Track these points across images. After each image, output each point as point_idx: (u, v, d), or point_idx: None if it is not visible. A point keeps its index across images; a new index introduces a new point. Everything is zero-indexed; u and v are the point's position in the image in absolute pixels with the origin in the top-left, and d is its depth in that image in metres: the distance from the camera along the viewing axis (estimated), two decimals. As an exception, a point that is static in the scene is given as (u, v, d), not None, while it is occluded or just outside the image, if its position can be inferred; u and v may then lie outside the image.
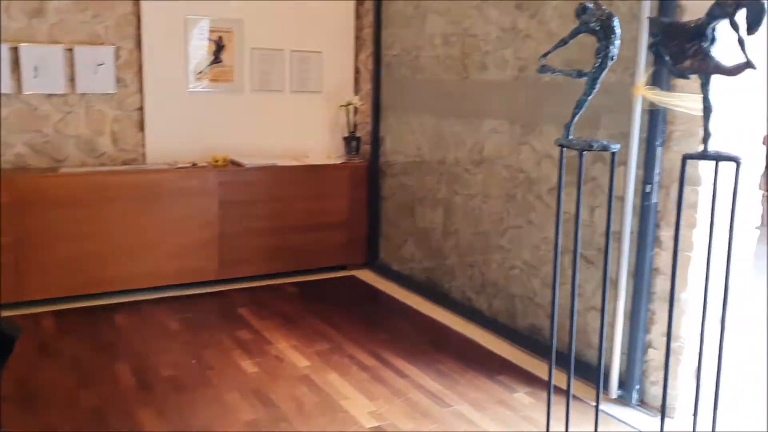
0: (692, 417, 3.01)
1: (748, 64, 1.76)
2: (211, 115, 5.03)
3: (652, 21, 2.00)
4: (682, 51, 1.86)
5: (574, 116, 2.28)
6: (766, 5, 1.66)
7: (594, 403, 3.17)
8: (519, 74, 3.91)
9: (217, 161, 4.85)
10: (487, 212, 4.23)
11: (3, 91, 4.39)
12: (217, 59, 5.00)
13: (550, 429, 2.59)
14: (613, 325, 3.25)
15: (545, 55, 2.31)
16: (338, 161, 5.32)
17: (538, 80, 3.77)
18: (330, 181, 5.21)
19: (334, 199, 5.23)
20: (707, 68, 1.83)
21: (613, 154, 2.25)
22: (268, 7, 5.11)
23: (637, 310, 3.23)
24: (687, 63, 1.87)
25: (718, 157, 1.98)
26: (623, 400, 3.26)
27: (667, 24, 1.98)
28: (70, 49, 4.54)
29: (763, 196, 3.18)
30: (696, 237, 3.01)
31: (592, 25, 2.11)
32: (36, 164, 4.57)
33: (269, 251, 4.97)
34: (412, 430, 2.98)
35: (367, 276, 5.25)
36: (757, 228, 3.12)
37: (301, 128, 5.41)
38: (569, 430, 2.53)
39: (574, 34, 2.20)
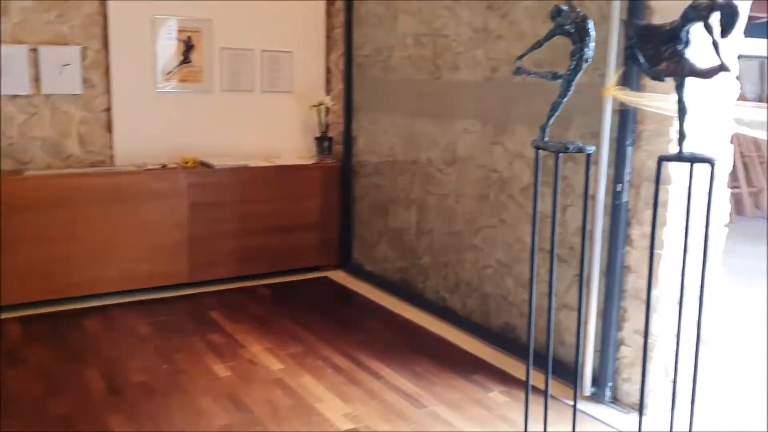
0: (665, 413, 3.07)
1: (723, 67, 1.79)
2: (180, 115, 4.97)
3: (628, 24, 2.02)
4: (657, 54, 1.88)
5: (549, 118, 2.29)
6: (739, 9, 1.68)
7: (567, 401, 3.20)
8: (491, 75, 3.93)
9: (186, 162, 4.78)
10: (460, 212, 4.24)
11: (-35, 92, 4.29)
12: (186, 59, 4.93)
13: (527, 428, 2.60)
14: (585, 323, 3.27)
15: (520, 57, 2.32)
16: (310, 162, 5.30)
17: (509, 81, 3.78)
18: (302, 181, 5.17)
19: (307, 200, 5.20)
20: (683, 71, 1.85)
21: (589, 155, 2.27)
22: (237, 6, 5.06)
23: (609, 308, 3.26)
24: (663, 65, 1.89)
25: (693, 159, 2.00)
26: (596, 398, 3.29)
27: (643, 27, 2.00)
28: (35, 50, 4.44)
29: (731, 194, 3.23)
30: (667, 235, 3.04)
31: (567, 27, 2.12)
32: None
33: (241, 253, 4.92)
34: (387, 431, 2.97)
35: (340, 277, 5.23)
36: (725, 225, 3.17)
37: (272, 129, 5.37)
38: (546, 429, 2.54)
39: (549, 36, 2.21)
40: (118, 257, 4.48)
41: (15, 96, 4.44)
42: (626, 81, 2.99)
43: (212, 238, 4.80)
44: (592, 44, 2.13)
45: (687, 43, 1.87)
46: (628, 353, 3.23)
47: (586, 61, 2.14)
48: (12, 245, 4.14)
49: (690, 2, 2.81)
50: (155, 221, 4.59)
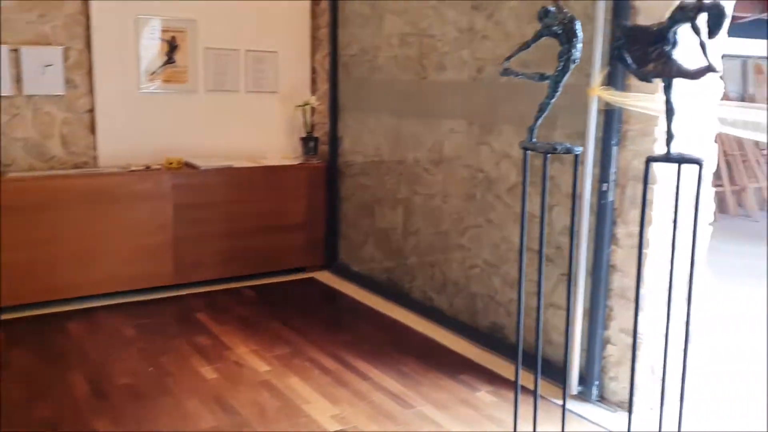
0: (651, 411, 3.09)
1: (710, 68, 1.80)
2: (164, 116, 4.93)
3: (615, 25, 2.03)
4: (645, 55, 1.88)
5: (537, 119, 2.30)
6: (726, 10, 1.69)
7: (555, 400, 3.21)
8: (477, 75, 3.93)
9: (171, 163, 4.75)
10: (447, 212, 4.24)
11: (-55, 93, 4.23)
12: (170, 59, 4.90)
13: (516, 428, 2.61)
14: (572, 322, 3.28)
15: (508, 58, 2.32)
16: (296, 162, 5.28)
17: (495, 81, 3.79)
18: (287, 182, 5.16)
19: (292, 201, 5.18)
20: (670, 72, 1.86)
21: (576, 156, 2.28)
22: (222, 6, 5.04)
23: (595, 307, 3.27)
24: (650, 66, 1.89)
25: (681, 160, 2.01)
26: (583, 396, 3.30)
27: (630, 28, 2.00)
28: (16, 50, 4.39)
29: (714, 193, 3.25)
30: (652, 234, 3.06)
31: (555, 28, 2.12)
32: (-19, 168, 4.42)
33: (226, 254, 4.90)
34: (375, 432, 2.97)
35: (326, 277, 5.22)
36: (710, 224, 3.20)
37: (257, 129, 5.35)
38: (535, 428, 2.54)
39: (536, 37, 2.22)
40: (102, 259, 4.44)
41: (-4, 97, 4.40)
42: (611, 81, 3.00)
43: (197, 240, 4.77)
44: (579, 45, 2.14)
45: (674, 44, 1.88)
46: (615, 352, 3.24)
47: (574, 62, 2.14)
48: (-6, 248, 4.09)
49: (675, 2, 2.84)
50: (140, 223, 4.55)
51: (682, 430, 2.21)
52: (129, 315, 4.30)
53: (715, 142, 3.15)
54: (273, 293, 4.84)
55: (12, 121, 4.46)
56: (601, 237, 3.21)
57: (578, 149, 2.26)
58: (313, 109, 5.35)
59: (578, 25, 2.14)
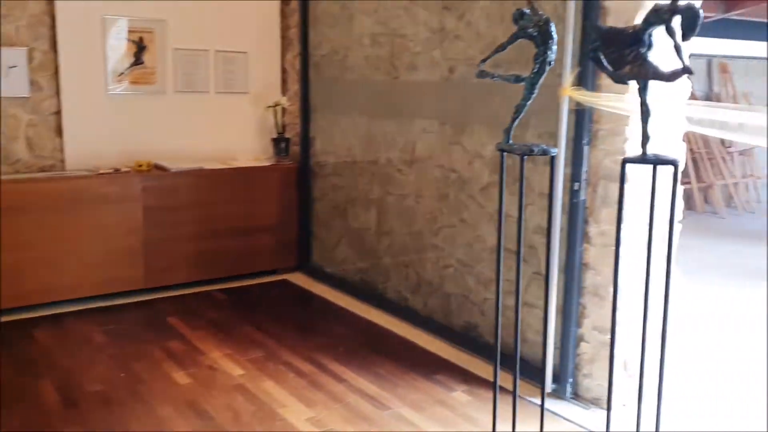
0: (624, 407, 3.12)
1: (686, 70, 1.82)
2: (133, 118, 4.86)
3: (591, 27, 2.04)
4: (621, 57, 1.90)
5: (513, 120, 2.31)
6: (700, 12, 1.71)
7: (530, 399, 3.23)
8: (449, 75, 3.94)
9: (140, 166, 4.69)
10: (420, 212, 4.24)
11: None
12: (138, 60, 4.83)
13: (490, 428, 2.61)
14: (546, 321, 3.30)
15: (484, 60, 2.33)
16: (267, 163, 5.24)
17: (467, 81, 3.80)
18: (259, 183, 5.12)
19: (264, 202, 5.14)
20: (646, 74, 1.88)
21: (553, 157, 2.29)
22: (190, 6, 4.98)
23: (568, 305, 3.29)
24: (627, 69, 1.91)
25: (657, 161, 2.03)
26: (557, 394, 3.33)
27: (606, 30, 2.02)
28: (-22, 51, 4.30)
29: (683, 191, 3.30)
30: (623, 232, 3.08)
31: (530, 30, 2.13)
32: (-57, 173, 4.31)
33: (198, 257, 4.84)
34: (352, 435, 2.96)
35: (299, 279, 5.19)
36: (679, 222, 3.24)
37: (227, 130, 5.30)
38: (515, 428, 2.55)
39: (512, 39, 2.22)
40: (71, 264, 4.36)
41: (-42, 99, 4.30)
42: (582, 81, 3.02)
43: (168, 243, 4.71)
44: (555, 47, 2.15)
45: (650, 46, 1.89)
46: (588, 349, 3.27)
47: (549, 64, 2.16)
48: (-42, 254, 4.00)
49: (644, 2, 2.88)
50: (109, 226, 4.48)
51: (660, 427, 2.23)
52: (99, 320, 4.23)
53: (683, 140, 3.19)
54: (245, 296, 4.80)
55: (-25, 124, 4.37)
56: (574, 235, 3.23)
57: (554, 151, 2.28)
58: (284, 110, 5.32)
59: (553, 28, 2.15)
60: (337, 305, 4.65)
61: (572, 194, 3.20)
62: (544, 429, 2.54)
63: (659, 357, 2.18)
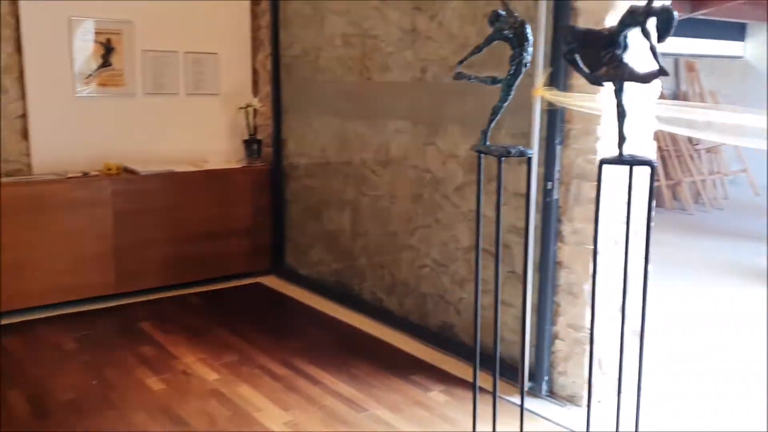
0: (598, 404, 3.15)
1: (661, 71, 1.84)
2: (102, 121, 4.78)
3: (567, 29, 2.05)
4: (597, 59, 1.91)
5: (490, 122, 2.32)
6: (675, 14, 1.73)
7: (507, 398, 3.24)
8: (421, 75, 3.94)
9: (110, 169, 4.62)
10: (395, 213, 4.24)
11: None
12: (106, 62, 4.75)
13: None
14: (522, 319, 3.32)
15: (461, 62, 2.33)
16: (239, 165, 5.20)
17: (440, 81, 3.80)
18: (231, 186, 5.07)
19: (237, 205, 5.10)
20: (623, 75, 1.90)
21: (530, 159, 2.31)
22: (159, 7, 4.92)
23: (543, 303, 3.31)
24: (603, 70, 1.92)
25: (633, 162, 2.06)
26: (533, 392, 3.34)
27: (582, 32, 2.03)
28: (-60, 53, 4.20)
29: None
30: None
31: (506, 32, 2.13)
32: None
33: (170, 261, 4.78)
34: (329, 438, 2.94)
35: (273, 282, 5.16)
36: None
37: (198, 132, 5.24)
38: (495, 428, 2.55)
39: (488, 41, 2.23)
40: (40, 270, 4.28)
41: None
42: (554, 81, 3.04)
43: (139, 247, 4.65)
44: (530, 49, 2.16)
45: (625, 47, 1.91)
46: (563, 347, 3.29)
47: (525, 66, 2.17)
48: None
49: (615, 3, 2.91)
50: (78, 231, 4.41)
51: (639, 425, 2.25)
52: (69, 327, 4.15)
53: (654, 139, 3.23)
54: (219, 300, 4.76)
55: (-62, 128, 4.26)
56: (547, 234, 3.25)
57: (531, 152, 2.30)
58: (255, 111, 5.28)
59: (529, 29, 2.16)
60: (312, 307, 4.63)
61: (545, 193, 3.23)
62: (522, 427, 2.55)
63: (638, 354, 2.20)
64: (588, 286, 3.15)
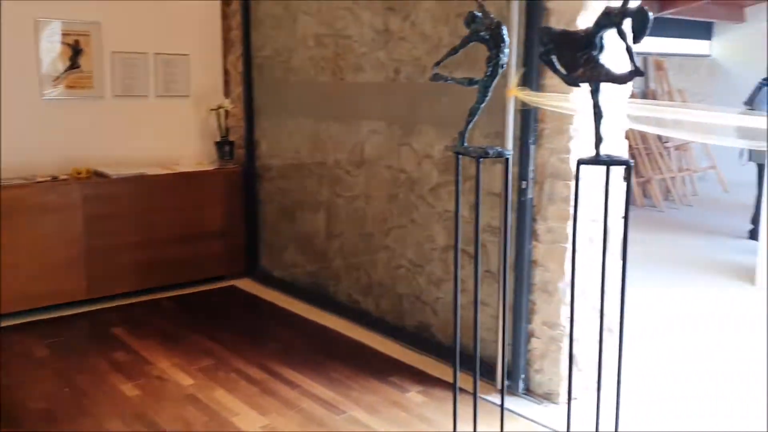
0: (575, 401, 3.17)
1: (637, 72, 1.86)
2: (70, 124, 4.71)
3: (543, 30, 2.06)
4: (574, 60, 1.93)
5: (468, 123, 2.32)
6: (650, 15, 1.74)
7: (485, 397, 3.25)
8: (395, 76, 3.94)
9: (79, 173, 4.54)
10: (370, 213, 4.23)
11: None
12: (74, 65, 4.67)
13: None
14: (498, 318, 3.33)
15: (438, 63, 2.33)
16: (211, 167, 5.16)
17: (413, 82, 3.81)
18: (203, 188, 5.03)
19: (209, 207, 5.05)
20: (599, 76, 1.91)
21: (507, 159, 2.32)
22: (127, 8, 4.85)
23: (519, 302, 3.33)
24: (580, 71, 1.94)
25: (610, 162, 2.07)
26: (510, 390, 3.35)
27: (558, 33, 2.04)
28: None
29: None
30: (570, 229, 3.13)
31: (482, 34, 2.14)
32: None
33: (142, 266, 4.72)
34: (307, 441, 2.93)
35: (248, 285, 5.11)
36: (623, 217, 3.30)
37: (169, 134, 5.19)
38: (476, 428, 2.56)
39: (464, 42, 2.23)
40: (9, 276, 4.19)
41: None
42: (527, 81, 3.06)
43: (111, 252, 4.58)
44: (507, 50, 2.16)
45: (601, 48, 1.93)
46: (539, 345, 3.31)
47: (502, 67, 2.17)
48: None
49: (584, 3, 2.93)
50: (47, 236, 4.33)
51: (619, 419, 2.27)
52: (40, 334, 4.08)
53: (625, 138, 3.27)
54: (193, 304, 4.71)
55: None
56: (522, 233, 3.27)
57: (509, 153, 2.31)
58: (227, 113, 5.24)
59: (505, 30, 2.17)
60: (288, 310, 4.60)
61: (520, 193, 3.24)
62: (498, 425, 2.56)
63: (617, 351, 2.22)
64: (563, 284, 3.17)
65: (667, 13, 8.38)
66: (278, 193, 5.03)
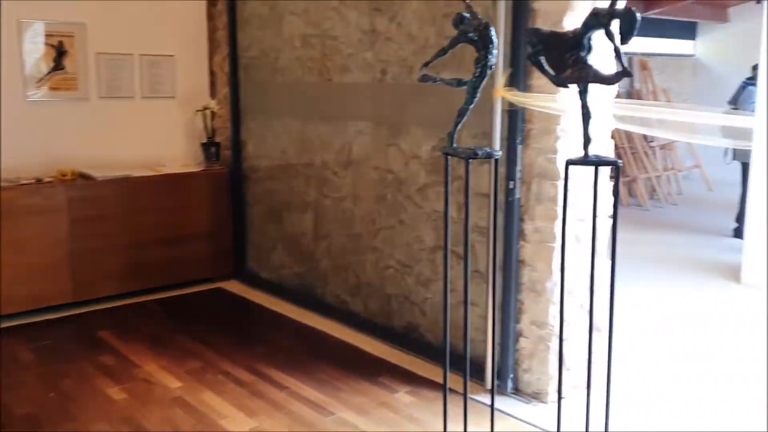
0: (563, 400, 3.18)
1: (625, 72, 1.86)
2: (55, 125, 4.67)
3: (531, 31, 2.07)
4: (562, 61, 1.93)
5: (457, 124, 2.32)
6: (638, 15, 1.75)
7: (473, 396, 3.25)
8: (382, 76, 3.93)
9: (64, 175, 4.51)
10: (358, 214, 4.22)
11: None
12: (58, 66, 4.63)
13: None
14: (486, 318, 3.34)
15: (426, 64, 2.33)
16: (197, 169, 5.13)
17: (401, 82, 3.80)
18: (190, 190, 5.00)
19: (196, 209, 5.03)
20: (587, 77, 1.92)
21: (496, 160, 2.32)
22: (112, 8, 4.81)
23: (507, 301, 3.34)
24: (568, 72, 1.94)
25: (598, 162, 2.08)
26: (499, 389, 3.36)
27: (547, 34, 2.05)
28: None
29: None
30: (558, 229, 3.15)
31: (471, 35, 2.14)
32: None
33: (128, 268, 4.69)
34: (296, 443, 2.92)
35: (235, 287, 5.09)
36: (609, 216, 3.32)
37: (155, 136, 5.15)
38: (466, 428, 2.56)
39: (453, 43, 2.23)
40: (-8, 280, 4.16)
41: None
42: (514, 82, 3.07)
43: (97, 254, 4.55)
44: (495, 51, 2.17)
45: (589, 49, 1.94)
46: (527, 344, 3.32)
47: (490, 68, 2.18)
48: None
49: (570, 3, 2.94)
50: (32, 239, 4.29)
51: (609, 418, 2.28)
52: (25, 338, 4.04)
53: (612, 137, 3.28)
54: (180, 306, 4.68)
55: None
56: (510, 233, 3.28)
57: (498, 153, 2.31)
58: (213, 114, 5.21)
59: (493, 31, 2.17)
60: (275, 311, 4.59)
61: (508, 193, 3.25)
62: (487, 425, 2.56)
63: (607, 350, 2.23)
64: (550, 284, 3.18)
65: (652, 13, 8.44)
66: (265, 194, 5.01)
